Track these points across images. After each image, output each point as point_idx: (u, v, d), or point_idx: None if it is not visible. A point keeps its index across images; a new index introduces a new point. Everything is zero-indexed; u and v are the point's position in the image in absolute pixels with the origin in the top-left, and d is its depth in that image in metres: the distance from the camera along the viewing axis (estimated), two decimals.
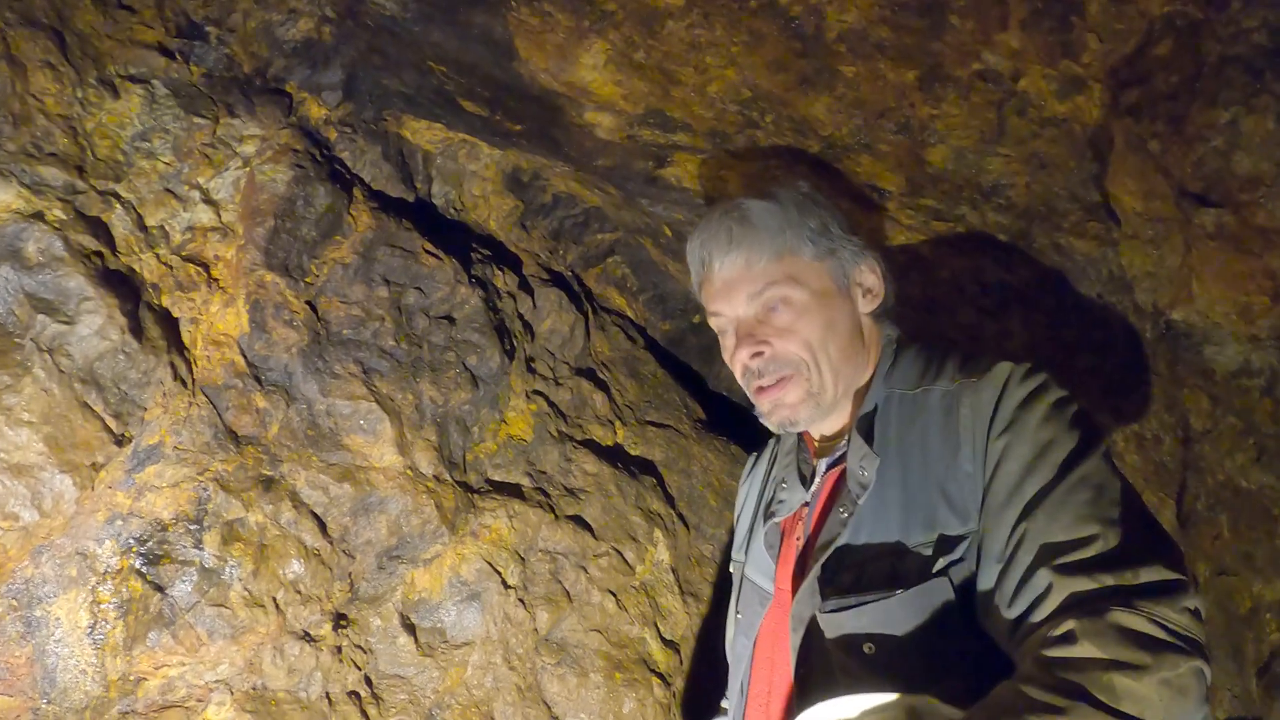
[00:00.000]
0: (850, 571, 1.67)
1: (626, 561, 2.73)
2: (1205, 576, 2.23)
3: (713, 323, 1.94)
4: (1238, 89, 1.81)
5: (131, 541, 2.17)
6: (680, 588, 2.79)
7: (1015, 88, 1.98)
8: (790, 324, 1.80)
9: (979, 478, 1.59)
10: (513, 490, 2.65)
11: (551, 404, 2.76)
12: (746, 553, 2.04)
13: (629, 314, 3.05)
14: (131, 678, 2.14)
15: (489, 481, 2.64)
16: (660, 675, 2.67)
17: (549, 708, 2.55)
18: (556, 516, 2.67)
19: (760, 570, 1.93)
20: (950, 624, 1.56)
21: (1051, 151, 2.11)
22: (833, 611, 1.65)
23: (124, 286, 2.17)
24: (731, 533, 2.47)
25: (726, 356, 1.94)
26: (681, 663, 2.73)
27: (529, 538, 2.63)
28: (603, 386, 2.88)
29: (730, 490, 2.47)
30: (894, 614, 1.59)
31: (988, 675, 1.46)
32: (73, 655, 2.09)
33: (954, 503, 1.60)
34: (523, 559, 2.61)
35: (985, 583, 1.53)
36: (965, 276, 2.51)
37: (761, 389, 1.84)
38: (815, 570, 1.71)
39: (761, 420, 1.91)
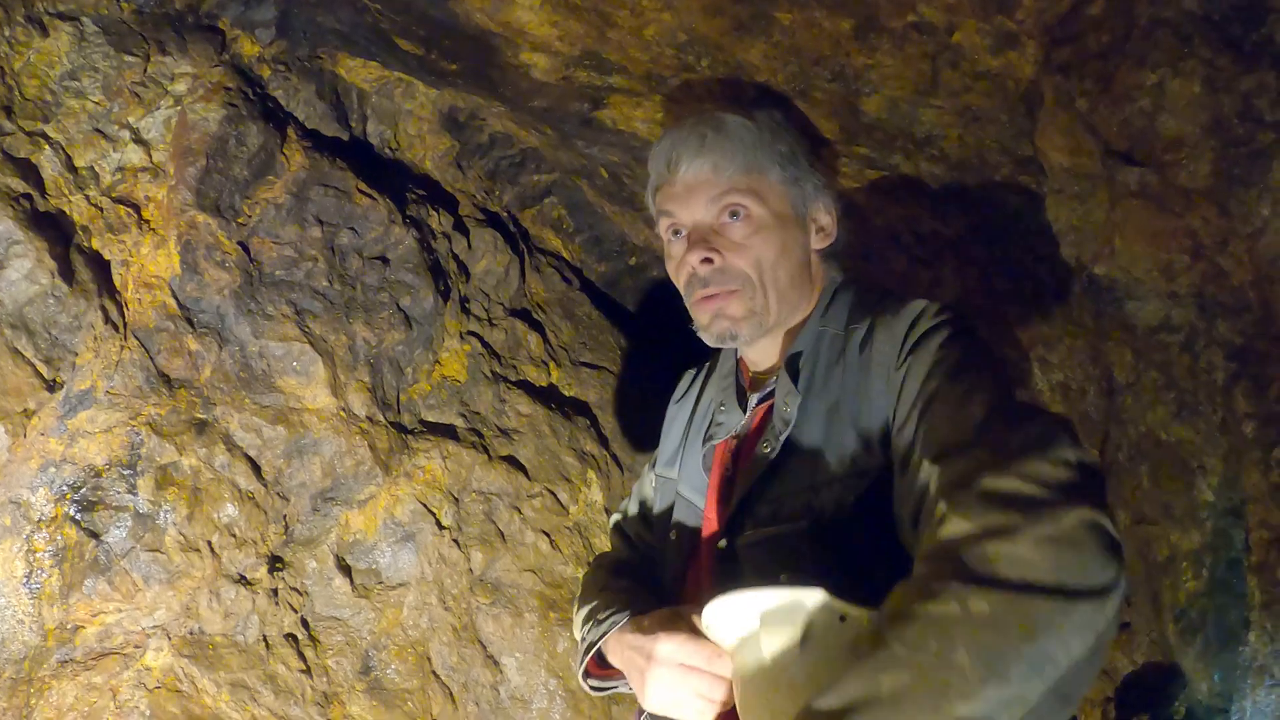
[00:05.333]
0: (769, 504, 1.69)
1: (560, 502, 2.75)
2: (1126, 525, 2.28)
3: (662, 226, 1.92)
4: (1166, 52, 1.82)
5: (65, 488, 2.16)
6: None
7: (949, 40, 1.98)
8: (745, 238, 1.80)
9: (889, 404, 1.61)
10: (447, 431, 2.66)
11: (486, 345, 2.77)
12: (679, 470, 2.04)
13: (565, 255, 3.05)
14: (69, 626, 2.15)
15: (423, 422, 2.64)
16: None
17: (484, 647, 2.59)
18: (490, 457, 2.68)
19: (694, 489, 1.94)
20: (864, 556, 1.58)
21: (984, 105, 2.12)
22: (750, 543, 1.68)
23: (53, 229, 2.14)
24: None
25: (672, 266, 1.92)
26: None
27: (463, 479, 2.64)
28: (537, 327, 2.88)
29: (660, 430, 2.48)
30: (809, 546, 1.60)
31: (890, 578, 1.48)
32: (9, 605, 2.08)
33: (867, 435, 1.62)
34: (457, 500, 2.62)
35: (896, 501, 1.54)
36: (900, 225, 2.53)
37: (705, 298, 1.84)
38: (735, 502, 1.74)
39: (699, 333, 1.90)
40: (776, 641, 1.39)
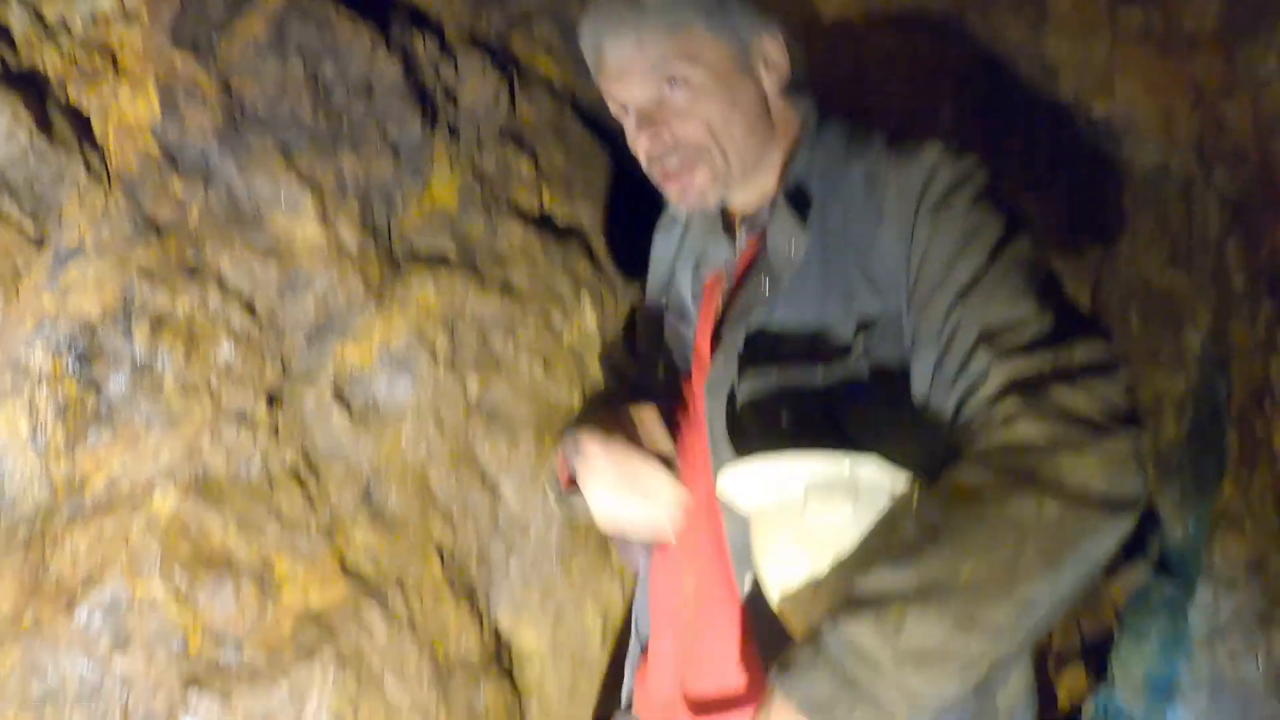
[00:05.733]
0: (767, 344, 1.69)
1: (554, 326, 2.77)
2: None
3: (613, 109, 1.90)
4: None
5: (62, 343, 2.17)
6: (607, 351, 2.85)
7: None
8: (689, 106, 1.74)
9: (904, 258, 1.59)
10: (439, 259, 2.65)
11: (477, 171, 2.73)
12: (668, 304, 2.05)
13: (555, 78, 2.96)
14: (76, 479, 2.19)
15: (415, 251, 2.63)
16: None
17: (482, 472, 2.65)
18: (484, 284, 2.69)
19: (685, 324, 1.96)
20: (866, 403, 1.60)
21: None
22: (749, 381, 1.69)
23: (28, 86, 2.08)
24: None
25: (630, 144, 1.90)
26: None
27: (456, 306, 2.65)
28: (528, 152, 2.83)
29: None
30: (810, 389, 1.62)
31: (906, 449, 1.52)
32: (17, 466, 2.12)
33: (875, 280, 1.61)
34: (451, 327, 2.64)
35: (923, 366, 1.56)
36: (897, 51, 2.46)
37: (666, 178, 1.82)
38: (732, 339, 1.74)
39: (673, 206, 1.89)
40: (823, 507, 1.44)
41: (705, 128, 1.74)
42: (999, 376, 1.43)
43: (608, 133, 3.01)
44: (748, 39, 1.78)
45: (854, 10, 2.37)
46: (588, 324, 2.82)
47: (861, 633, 1.31)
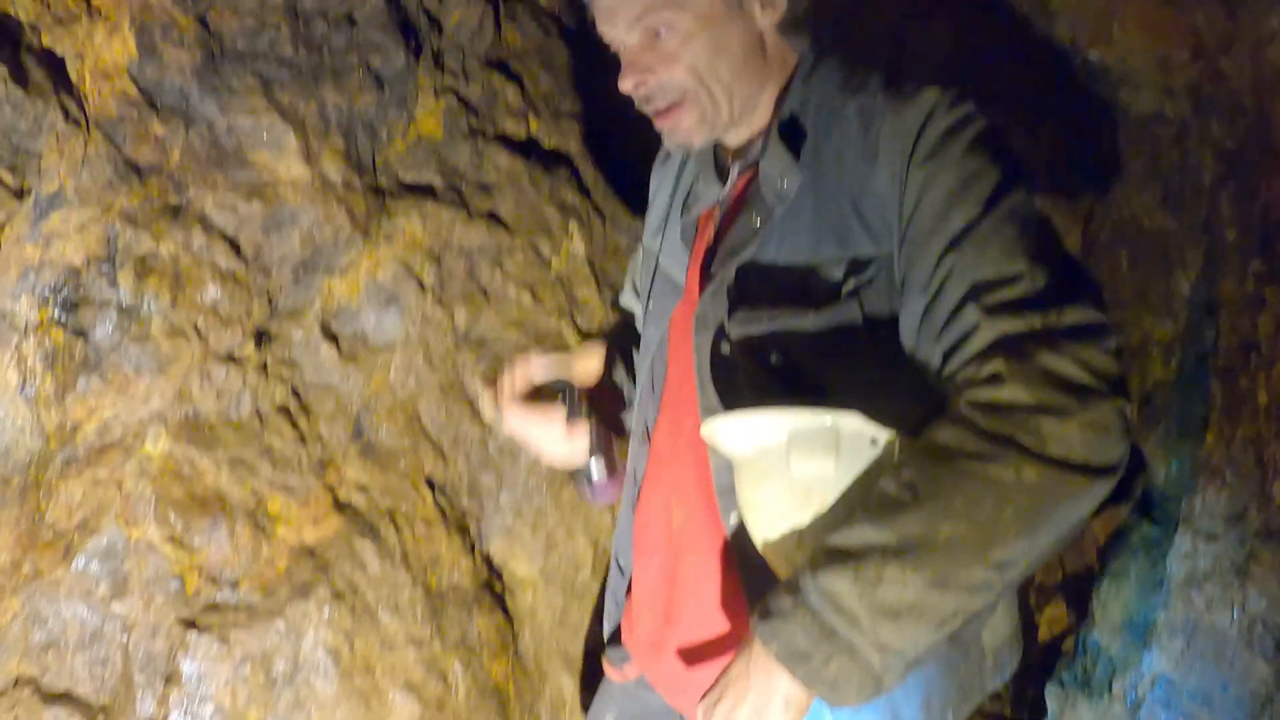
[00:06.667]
0: (759, 281, 1.68)
1: (542, 255, 2.76)
2: None
3: (606, 42, 1.86)
4: None
5: (47, 292, 2.16)
6: (596, 279, 2.84)
7: None
8: (675, 50, 1.69)
9: (896, 201, 1.57)
10: (425, 191, 2.63)
11: (462, 100, 2.68)
12: (661, 241, 2.04)
13: (541, 2, 2.89)
14: (68, 426, 2.20)
15: (400, 184, 2.60)
16: None
17: (471, 403, 2.66)
18: (470, 214, 2.66)
19: (675, 260, 1.94)
20: (858, 346, 1.59)
21: None
22: (739, 320, 1.69)
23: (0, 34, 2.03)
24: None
25: (621, 81, 1.86)
26: None
27: (443, 237, 2.63)
28: (515, 79, 2.78)
29: (645, 180, 2.44)
30: (802, 330, 1.60)
31: (894, 399, 1.53)
32: (8, 415, 2.13)
33: (868, 222, 1.59)
34: (438, 259, 2.62)
35: (910, 314, 1.55)
36: None
37: (654, 115, 1.79)
38: (723, 275, 1.72)
39: (664, 139, 1.87)
40: (808, 460, 1.46)
41: (691, 71, 1.69)
42: (987, 333, 1.41)
43: (598, 54, 2.95)
44: None
45: None
46: (576, 251, 2.80)
47: (840, 585, 1.34)
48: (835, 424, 1.46)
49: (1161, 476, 2.19)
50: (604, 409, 2.02)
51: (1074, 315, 1.39)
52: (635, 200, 2.85)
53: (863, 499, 1.44)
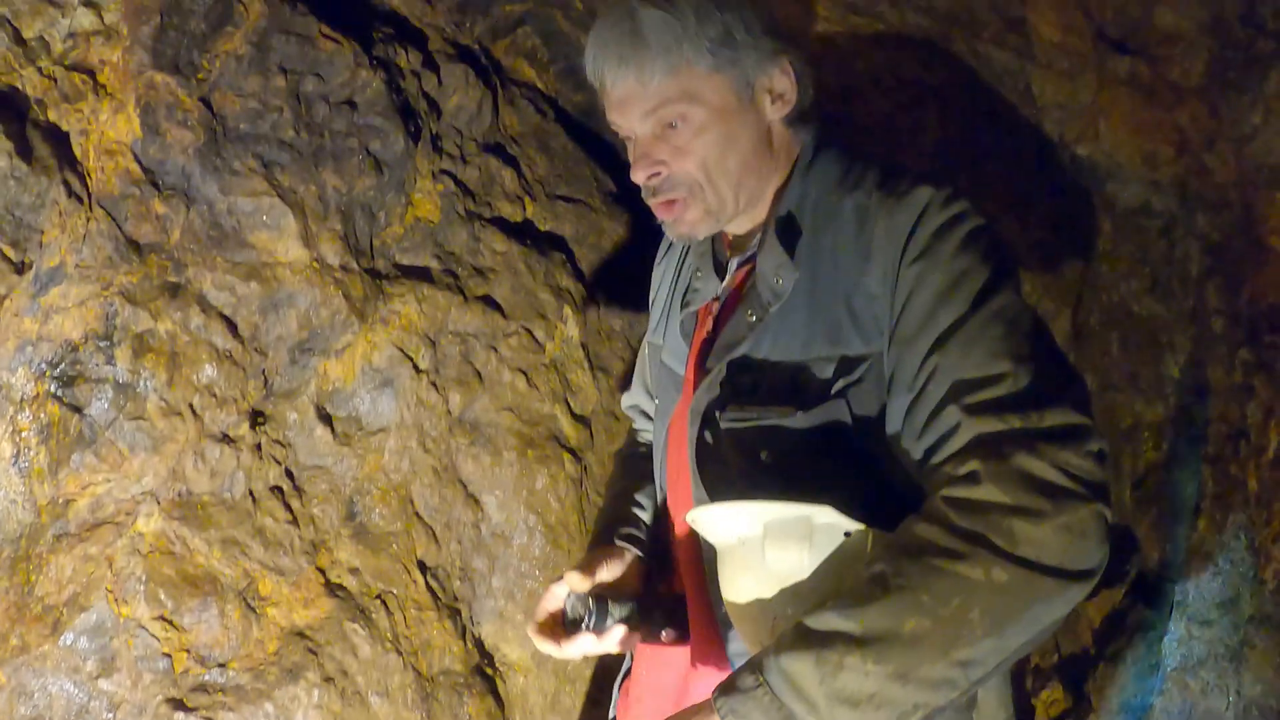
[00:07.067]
0: (750, 377, 1.69)
1: (536, 339, 2.77)
2: (1093, 388, 2.32)
3: (615, 129, 1.88)
4: None
5: (44, 366, 2.17)
6: (590, 363, 2.85)
7: None
8: (687, 143, 1.72)
9: (887, 300, 1.58)
10: (421, 273, 2.65)
11: (459, 183, 2.72)
12: (664, 337, 2.05)
13: (539, 86, 2.94)
14: (61, 500, 2.20)
15: (397, 266, 2.63)
16: (571, 450, 2.78)
17: (464, 487, 2.66)
18: (466, 298, 2.69)
19: (676, 356, 1.96)
20: (845, 444, 1.61)
21: None
22: (730, 416, 1.71)
23: (6, 108, 2.06)
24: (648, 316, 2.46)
25: (631, 168, 1.89)
26: (592, 437, 2.83)
27: (439, 321, 2.65)
28: (511, 162, 2.82)
29: (640, 263, 2.46)
30: (791, 429, 1.64)
31: (879, 494, 1.54)
32: (1, 488, 2.13)
33: (859, 320, 1.61)
34: (433, 342, 2.64)
35: (895, 412, 1.56)
36: (882, 70, 2.46)
37: (658, 205, 1.81)
38: (717, 370, 1.74)
39: (665, 230, 1.89)
40: (781, 551, 1.49)
41: (701, 166, 1.72)
42: (966, 432, 1.42)
43: (593, 139, 3.00)
44: (754, 76, 1.75)
45: (839, 28, 2.36)
46: (570, 335, 2.82)
47: (800, 669, 1.34)
48: (808, 516, 1.48)
49: (1155, 560, 2.18)
50: (636, 580, 2.00)
51: (1055, 417, 1.39)
52: (630, 283, 2.87)
53: (834, 588, 1.45)
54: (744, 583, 1.55)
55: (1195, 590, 2.04)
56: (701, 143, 1.70)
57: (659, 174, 1.73)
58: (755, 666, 1.39)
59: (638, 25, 1.68)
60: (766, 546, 1.50)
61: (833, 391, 1.61)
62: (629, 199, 2.99)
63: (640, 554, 1.95)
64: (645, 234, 2.94)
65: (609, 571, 1.87)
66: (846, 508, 1.48)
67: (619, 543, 1.95)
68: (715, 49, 1.69)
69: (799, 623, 1.39)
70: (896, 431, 1.55)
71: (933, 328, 1.51)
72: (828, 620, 1.35)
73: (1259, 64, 1.74)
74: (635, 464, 2.16)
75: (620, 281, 2.94)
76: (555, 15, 2.77)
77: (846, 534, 1.48)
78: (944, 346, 1.49)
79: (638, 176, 1.76)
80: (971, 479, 1.37)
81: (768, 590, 1.51)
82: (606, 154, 3.07)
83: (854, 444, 1.60)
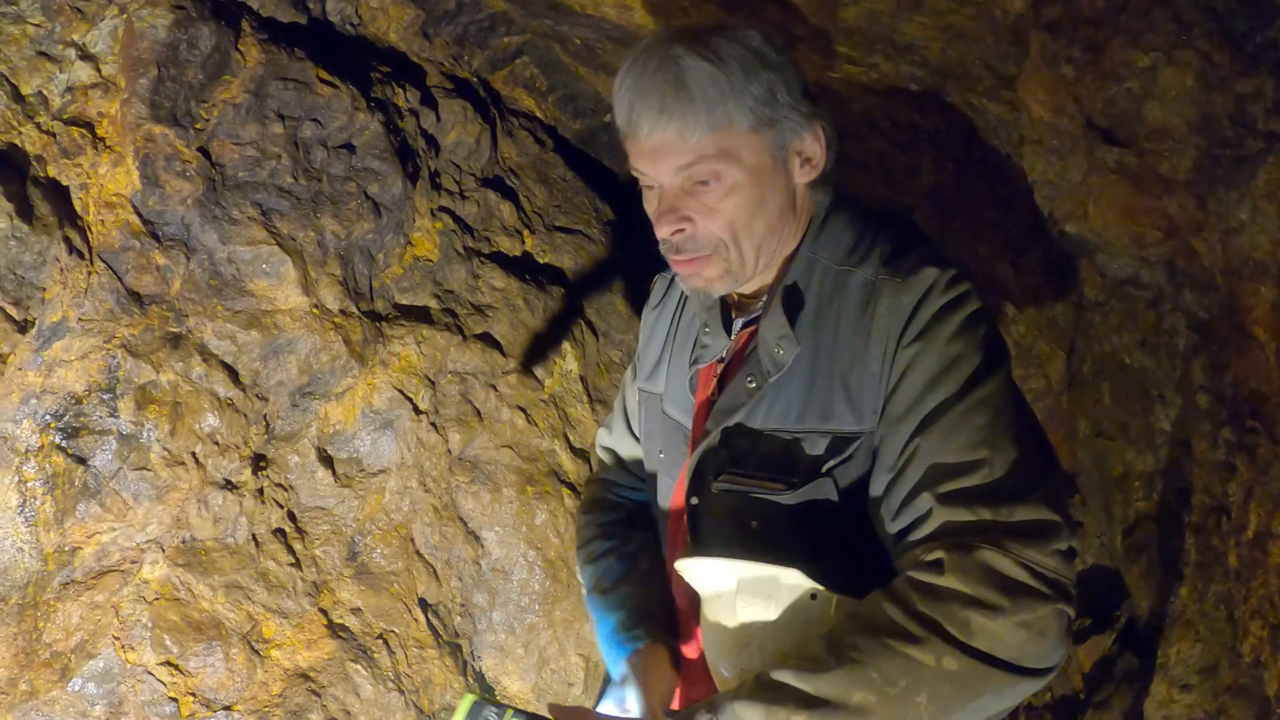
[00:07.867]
0: (745, 445, 1.70)
1: (535, 375, 2.79)
2: (1084, 434, 2.35)
3: (637, 176, 1.85)
4: (1162, 36, 1.73)
5: (48, 418, 2.20)
6: (589, 396, 2.87)
7: None
8: (717, 202, 1.68)
9: (882, 381, 1.58)
10: (420, 314, 2.67)
11: (458, 219, 2.73)
12: (665, 388, 2.03)
13: (538, 115, 2.95)
14: (67, 549, 2.23)
15: (396, 306, 2.65)
16: (570, 485, 2.81)
17: (464, 524, 2.69)
18: (464, 336, 2.71)
19: (681, 410, 1.95)
20: (831, 519, 1.63)
21: (969, 26, 2.03)
22: (725, 481, 1.73)
23: (6, 167, 2.08)
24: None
25: (649, 211, 1.86)
26: (591, 470, 2.84)
27: (438, 361, 2.67)
28: (510, 195, 2.83)
29: (639, 293, 2.46)
30: (780, 504, 1.66)
31: (859, 563, 1.57)
32: (8, 536, 2.16)
33: (854, 399, 1.61)
34: (432, 383, 2.66)
35: (876, 490, 1.58)
36: (878, 112, 2.47)
37: (679, 262, 1.79)
38: (714, 434, 1.76)
39: (680, 281, 1.88)
40: (750, 605, 1.57)
41: (728, 227, 1.67)
42: (936, 520, 1.44)
43: (593, 166, 3.01)
44: (789, 139, 1.72)
45: (834, 75, 2.36)
46: (569, 370, 2.85)
47: (752, 716, 1.38)
48: (776, 576, 1.55)
49: (1145, 608, 2.22)
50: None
51: (1025, 513, 1.40)
52: (628, 313, 2.90)
53: (796, 648, 1.48)
54: (718, 630, 1.62)
55: (1177, 655, 2.08)
56: (732, 203, 1.66)
57: (684, 231, 1.71)
58: (712, 706, 1.43)
59: (683, 75, 1.62)
60: (738, 600, 1.58)
61: (822, 470, 1.62)
62: (627, 225, 3.01)
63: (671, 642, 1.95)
64: (643, 262, 2.94)
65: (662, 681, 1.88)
66: (823, 574, 1.52)
67: (651, 644, 1.93)
68: (758, 108, 1.64)
69: (760, 673, 1.43)
70: (876, 508, 1.58)
71: (919, 410, 1.52)
72: (785, 676, 1.39)
73: (1248, 162, 1.74)
74: (631, 524, 2.16)
75: (618, 313, 2.96)
76: (554, 47, 2.78)
77: (813, 596, 1.54)
78: (927, 430, 1.50)
79: (662, 232, 1.72)
80: (936, 566, 1.39)
81: (737, 639, 1.59)
82: (605, 180, 3.08)
83: (839, 519, 1.62)
